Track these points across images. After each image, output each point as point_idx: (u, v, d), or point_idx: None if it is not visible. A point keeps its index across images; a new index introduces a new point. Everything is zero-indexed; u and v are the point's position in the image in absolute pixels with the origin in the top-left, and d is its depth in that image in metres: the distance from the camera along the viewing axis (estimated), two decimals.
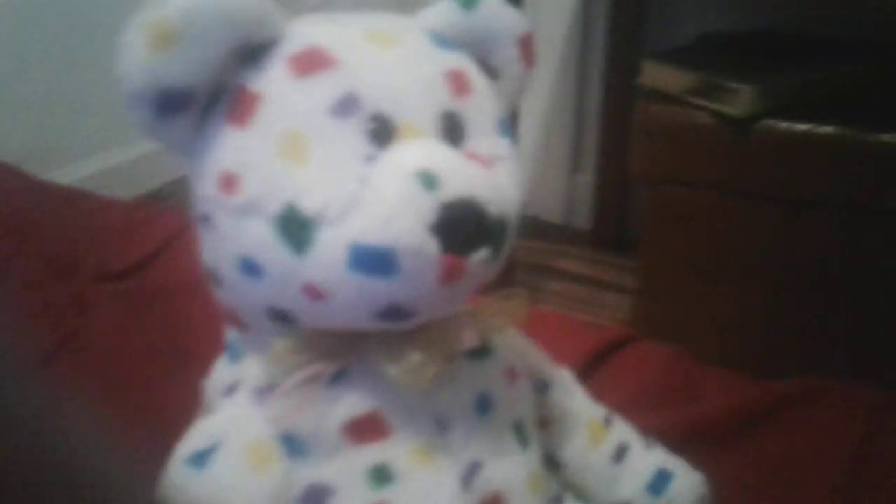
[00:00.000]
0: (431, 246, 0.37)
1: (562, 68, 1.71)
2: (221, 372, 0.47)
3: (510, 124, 0.46)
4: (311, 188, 0.38)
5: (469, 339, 0.44)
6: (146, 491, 0.44)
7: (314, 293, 0.39)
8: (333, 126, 0.39)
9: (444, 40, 0.44)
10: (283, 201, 0.38)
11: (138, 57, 0.37)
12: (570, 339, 0.70)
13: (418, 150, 0.39)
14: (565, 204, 1.82)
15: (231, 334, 0.46)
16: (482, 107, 0.44)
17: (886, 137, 1.05)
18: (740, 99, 1.12)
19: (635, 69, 1.27)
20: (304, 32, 0.41)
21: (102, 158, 1.88)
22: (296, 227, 0.38)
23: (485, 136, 0.43)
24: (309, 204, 0.38)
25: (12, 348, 0.68)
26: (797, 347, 1.20)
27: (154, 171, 1.89)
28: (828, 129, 1.09)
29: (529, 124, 1.72)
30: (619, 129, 1.57)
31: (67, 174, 1.73)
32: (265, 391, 0.43)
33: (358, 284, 0.38)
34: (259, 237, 0.39)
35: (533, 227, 1.80)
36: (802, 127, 1.10)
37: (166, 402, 0.60)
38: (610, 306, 1.54)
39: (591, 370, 0.68)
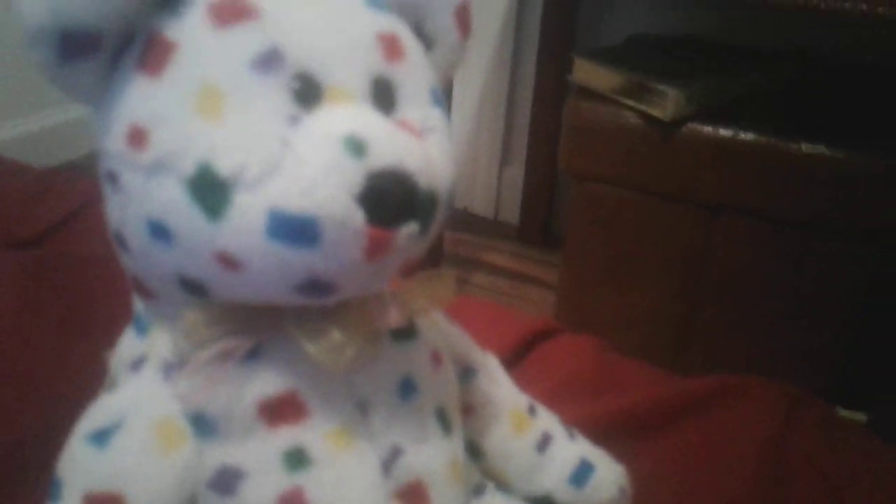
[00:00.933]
0: (357, 217, 0.35)
1: (494, 61, 1.70)
2: (127, 345, 0.43)
3: (443, 96, 0.43)
4: (228, 148, 0.35)
5: (394, 319, 0.41)
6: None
7: (228, 262, 0.36)
8: (254, 82, 0.35)
9: (378, 4, 0.41)
10: (197, 160, 0.35)
11: None
12: (495, 328, 0.68)
13: (346, 115, 0.36)
14: (494, 198, 1.82)
15: (138, 305, 0.43)
16: (415, 74, 0.41)
17: (806, 148, 1.07)
18: (667, 101, 1.12)
19: (567, 66, 1.26)
20: None
21: (16, 126, 1.78)
22: (210, 190, 0.35)
23: (417, 105, 0.40)
24: (225, 164, 0.34)
25: None
26: (709, 348, 1.21)
27: (70, 142, 1.80)
28: (750, 137, 1.10)
29: (461, 117, 1.71)
30: (549, 124, 1.57)
31: None
32: (174, 366, 0.39)
33: (276, 254, 0.35)
34: (170, 198, 0.35)
35: (461, 219, 1.79)
36: (725, 133, 1.11)
37: (72, 375, 0.56)
38: (534, 301, 1.53)
39: (515, 360, 0.66)
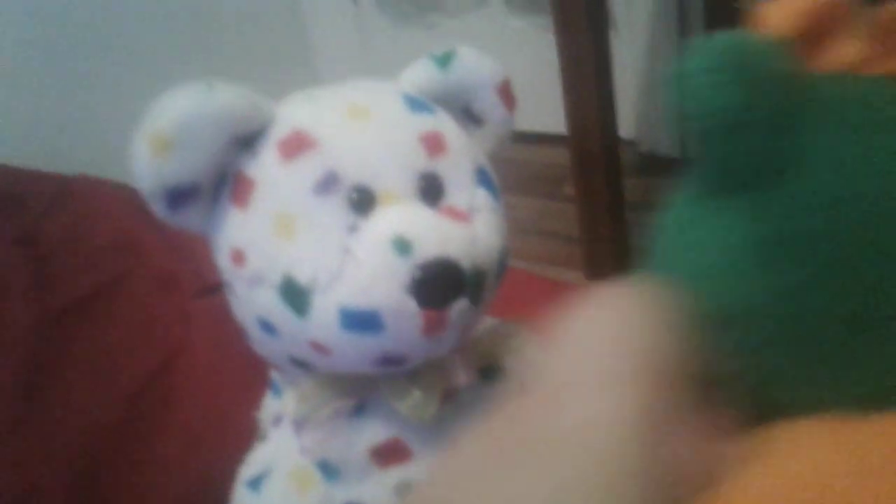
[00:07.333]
0: (410, 305, 0.43)
1: (661, 21, 1.68)
2: (268, 404, 0.55)
3: (490, 174, 0.50)
4: (303, 261, 0.44)
5: (463, 378, 0.49)
6: None
7: (319, 348, 0.46)
8: (317, 204, 0.44)
9: (419, 103, 0.49)
10: (282, 273, 0.44)
11: (144, 162, 0.44)
12: None
13: (394, 217, 0.44)
14: (677, 140, 1.80)
15: (273, 372, 0.54)
16: (458, 162, 0.48)
17: None
18: None
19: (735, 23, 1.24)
20: (290, 115, 0.47)
21: None
22: (295, 295, 0.44)
23: (462, 190, 0.48)
24: (302, 275, 0.44)
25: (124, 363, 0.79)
26: None
27: None
28: None
29: (629, 77, 1.71)
30: None
31: None
32: (300, 424, 0.50)
33: (351, 341, 0.44)
34: (268, 303, 0.45)
35: (644, 162, 1.80)
36: None
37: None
38: None
39: None
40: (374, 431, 0.49)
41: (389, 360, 0.46)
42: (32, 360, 0.79)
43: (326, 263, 0.43)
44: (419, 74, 0.51)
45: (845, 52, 0.34)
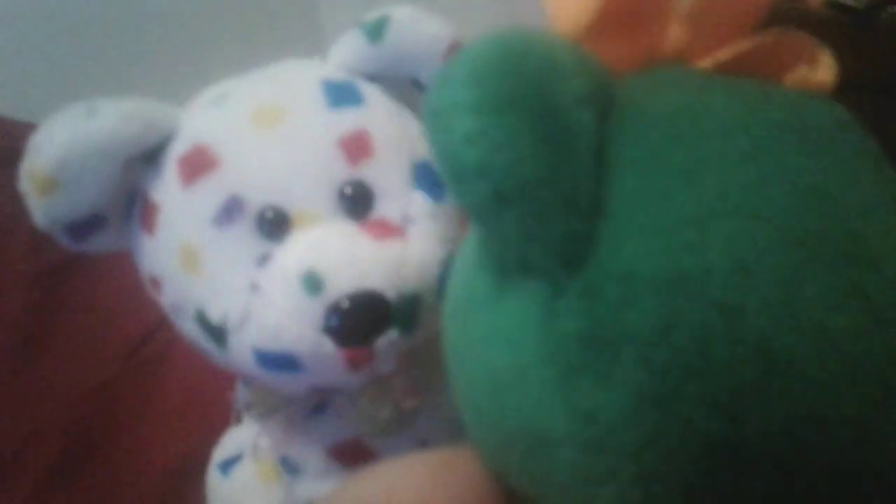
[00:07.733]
0: (327, 345, 0.39)
1: None
2: (241, 390, 0.55)
3: (431, 167, 0.43)
4: (210, 299, 0.40)
5: (406, 402, 0.45)
6: None
7: (248, 374, 0.44)
8: (219, 235, 0.40)
9: (343, 92, 0.43)
10: (194, 308, 0.41)
11: (33, 202, 0.40)
12: None
13: (305, 247, 0.39)
14: None
15: None
16: (389, 164, 0.42)
17: None
18: None
19: None
20: (192, 126, 0.42)
21: None
22: (211, 330, 0.41)
23: (394, 198, 0.42)
24: (213, 313, 0.40)
25: None
26: None
27: None
28: None
29: None
30: None
31: None
32: (258, 422, 0.51)
33: (273, 377, 0.42)
34: (191, 331, 0.43)
35: None
36: None
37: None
38: None
39: None
40: (333, 431, 0.48)
41: (320, 389, 0.43)
42: (30, 312, 0.80)
43: (234, 303, 0.40)
44: (347, 51, 0.44)
45: (666, 39, 0.28)
